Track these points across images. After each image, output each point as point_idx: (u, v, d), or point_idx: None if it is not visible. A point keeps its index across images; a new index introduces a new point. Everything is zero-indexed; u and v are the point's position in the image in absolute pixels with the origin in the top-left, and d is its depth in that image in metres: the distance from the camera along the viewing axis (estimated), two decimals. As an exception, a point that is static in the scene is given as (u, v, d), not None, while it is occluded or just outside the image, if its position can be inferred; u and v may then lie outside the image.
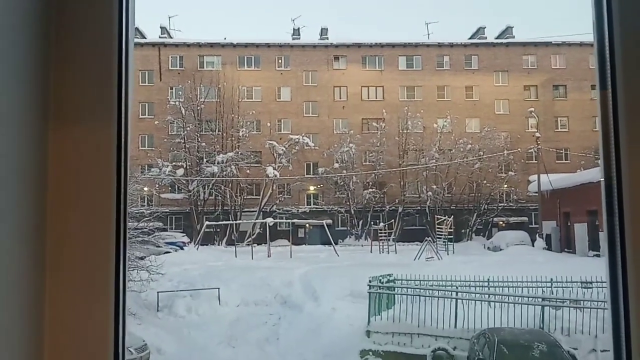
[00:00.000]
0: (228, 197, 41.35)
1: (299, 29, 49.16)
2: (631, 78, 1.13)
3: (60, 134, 1.20)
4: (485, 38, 49.46)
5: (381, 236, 33.98)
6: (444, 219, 34.09)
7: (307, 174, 44.39)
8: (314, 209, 43.47)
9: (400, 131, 44.14)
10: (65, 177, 1.20)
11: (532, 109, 42.48)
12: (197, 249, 31.68)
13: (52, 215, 1.19)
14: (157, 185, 39.32)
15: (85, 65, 1.22)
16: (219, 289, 17.44)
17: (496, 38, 49.58)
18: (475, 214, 42.39)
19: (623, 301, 1.13)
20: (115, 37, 1.23)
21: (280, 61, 47.90)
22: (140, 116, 43.95)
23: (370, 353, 13.24)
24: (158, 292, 16.67)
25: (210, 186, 40.57)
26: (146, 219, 19.58)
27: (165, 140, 42.08)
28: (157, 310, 16.49)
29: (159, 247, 21.87)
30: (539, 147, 38.01)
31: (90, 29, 1.22)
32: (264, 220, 34.76)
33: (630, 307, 1.11)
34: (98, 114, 1.21)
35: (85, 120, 1.21)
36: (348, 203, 43.14)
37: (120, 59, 1.24)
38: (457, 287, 15.25)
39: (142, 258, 17.52)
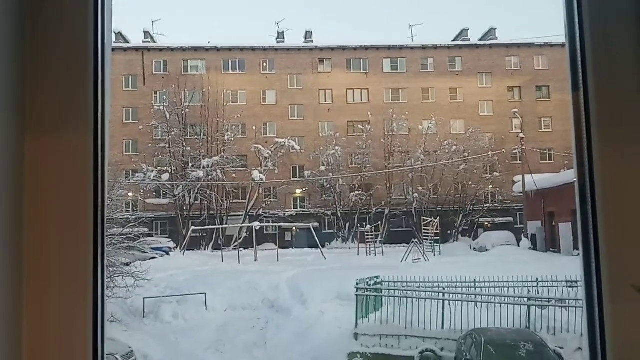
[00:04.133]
0: (214, 201, 41.19)
1: (283, 32, 49.19)
2: (602, 80, 1.15)
3: (36, 142, 1.19)
4: (469, 40, 49.85)
5: (368, 238, 34.01)
6: (430, 221, 34.22)
7: (293, 177, 44.37)
8: (301, 212, 43.44)
9: (386, 133, 44.30)
10: (42, 186, 1.19)
11: (516, 109, 42.86)
12: (183, 254, 31.49)
13: (30, 224, 1.19)
14: (142, 191, 39.04)
15: (60, 73, 1.21)
16: (205, 294, 17.34)
17: (479, 40, 49.98)
18: (461, 215, 42.63)
19: (598, 300, 1.15)
20: (91, 44, 1.23)
21: (265, 64, 47.88)
22: (124, 121, 43.66)
23: (359, 355, 13.24)
24: (144, 298, 16.54)
25: (196, 191, 40.38)
26: (131, 224, 19.40)
27: (150, 145, 41.79)
28: (143, 317, 16.36)
29: (145, 252, 21.71)
30: (523, 147, 38.33)
31: (65, 36, 1.22)
32: (251, 224, 34.65)
33: (605, 305, 1.13)
34: (74, 121, 1.21)
35: (61, 128, 1.20)
36: (335, 206, 43.17)
37: (96, 65, 1.23)
38: (444, 288, 15.29)
39: (127, 264, 17.38)
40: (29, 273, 1.18)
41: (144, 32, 48.10)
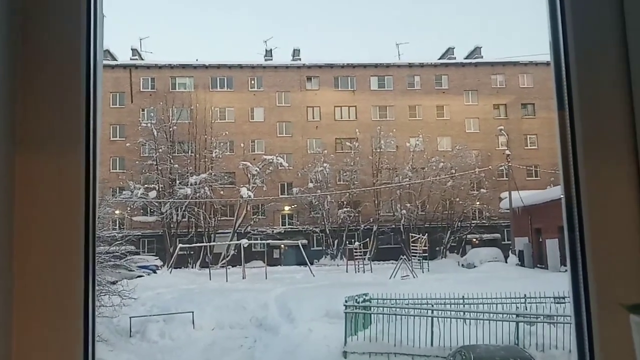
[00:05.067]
0: (202, 218, 40.94)
1: (271, 50, 49.47)
2: (586, 98, 1.17)
3: (27, 160, 1.19)
4: (455, 58, 50.44)
5: (356, 255, 33.95)
6: (419, 237, 34.27)
7: (281, 194, 44.30)
8: (289, 229, 43.32)
9: (374, 150, 44.50)
10: (32, 203, 1.18)
11: (502, 127, 43.32)
12: (170, 272, 31.20)
13: (19, 242, 1.18)
14: (128, 208, 38.75)
15: (52, 90, 1.21)
16: (193, 312, 17.16)
17: (465, 58, 50.58)
18: (449, 232, 42.75)
19: (586, 317, 1.15)
20: (83, 62, 1.23)
21: (252, 82, 48.04)
22: (112, 138, 43.43)
23: (348, 374, 13.14)
24: (130, 317, 16.33)
25: (184, 208, 40.14)
26: (118, 242, 19.22)
27: (137, 162, 41.57)
28: (130, 336, 16.13)
29: (131, 271, 21.51)
30: (510, 164, 38.66)
31: (57, 54, 1.22)
32: (239, 242, 34.46)
33: (593, 323, 1.14)
34: (65, 139, 1.20)
35: (52, 145, 1.20)
36: (323, 223, 43.10)
37: (88, 83, 1.24)
38: (432, 305, 15.27)
39: (114, 282, 17.17)
40: (18, 292, 1.17)
41: (132, 49, 48.11)
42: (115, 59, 45.69)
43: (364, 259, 34.08)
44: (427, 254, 33.77)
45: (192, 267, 36.83)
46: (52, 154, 1.19)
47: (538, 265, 32.81)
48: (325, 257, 41.85)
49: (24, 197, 1.18)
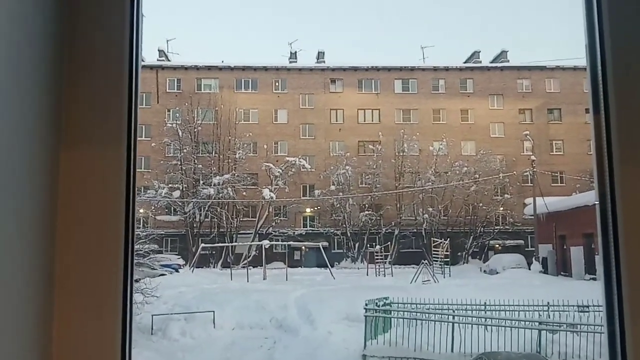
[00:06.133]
0: (224, 219, 41.23)
1: (295, 52, 49.67)
2: (623, 102, 1.15)
3: (71, 156, 1.21)
4: (480, 62, 50.01)
5: (377, 259, 33.84)
6: (440, 242, 34.04)
7: (303, 196, 44.39)
8: (310, 231, 43.36)
9: (397, 154, 44.34)
10: (75, 199, 1.21)
11: (527, 132, 42.79)
12: (192, 271, 31.47)
13: (62, 235, 1.20)
14: (153, 207, 39.22)
15: (97, 89, 1.23)
16: (213, 312, 17.26)
17: (491, 62, 50.12)
18: (472, 237, 42.35)
19: (619, 324, 1.13)
20: (126, 61, 1.25)
21: (277, 84, 48.25)
22: (137, 138, 43.93)
23: (367, 378, 13.09)
24: (152, 315, 16.49)
25: (207, 208, 40.48)
26: (141, 241, 19.46)
27: (162, 162, 42.05)
28: (151, 334, 16.30)
29: (154, 269, 21.70)
30: (535, 170, 38.15)
31: (102, 52, 1.24)
32: (260, 243, 34.62)
33: (626, 330, 1.12)
34: (109, 136, 1.23)
35: (96, 142, 1.22)
36: (344, 225, 43.05)
37: (130, 82, 1.26)
38: (453, 311, 15.13)
39: (137, 280, 17.37)
40: (60, 286, 1.19)
41: (159, 50, 48.73)
42: (142, 60, 46.03)
43: (385, 262, 33.96)
44: (448, 259, 33.51)
45: (214, 267, 37.12)
46: (96, 152, 1.21)
47: (562, 273, 32.31)
48: (346, 259, 41.78)
49: (67, 193, 1.20)
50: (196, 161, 41.90)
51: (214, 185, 40.13)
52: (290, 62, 49.29)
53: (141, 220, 36.39)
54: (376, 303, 15.27)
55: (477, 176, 42.26)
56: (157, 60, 48.21)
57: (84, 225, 1.20)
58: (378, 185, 43.72)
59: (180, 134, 42.05)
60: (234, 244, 38.75)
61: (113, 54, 1.24)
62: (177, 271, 30.94)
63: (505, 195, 42.90)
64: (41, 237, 1.16)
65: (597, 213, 1.18)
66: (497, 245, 42.12)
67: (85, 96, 1.22)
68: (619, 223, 1.13)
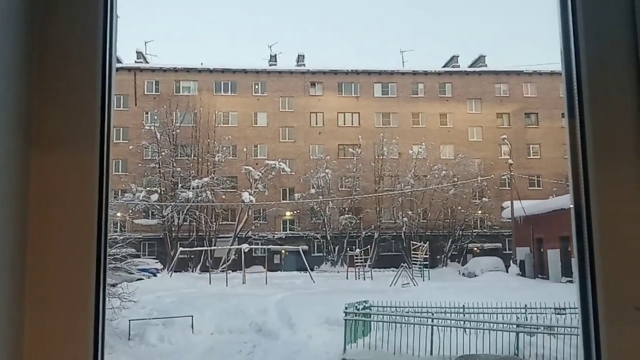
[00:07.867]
0: (203, 222, 40.95)
1: (275, 55, 49.68)
2: (598, 107, 1.17)
3: (42, 159, 1.19)
4: (459, 66, 50.55)
5: (357, 262, 33.92)
6: (420, 245, 34.22)
7: (283, 200, 44.33)
8: (290, 235, 43.32)
9: (376, 157, 44.55)
10: (46, 202, 1.18)
11: (505, 136, 43.31)
12: (171, 275, 31.19)
13: (33, 240, 1.17)
14: (130, 211, 38.78)
15: (68, 90, 1.21)
16: (192, 316, 17.12)
17: (469, 67, 50.69)
18: (450, 240, 42.70)
19: (594, 326, 1.14)
20: (99, 62, 1.23)
21: (256, 87, 48.18)
22: (115, 141, 43.34)
23: (346, 381, 13.08)
24: (130, 320, 16.29)
25: (185, 212, 40.14)
26: (119, 245, 19.22)
27: (140, 165, 41.65)
28: (129, 339, 16.09)
29: (132, 273, 21.45)
30: (512, 173, 38.65)
31: (74, 52, 1.22)
32: (239, 246, 34.47)
33: (601, 332, 1.13)
34: (81, 139, 1.20)
35: (68, 146, 1.19)
36: (324, 229, 43.10)
37: (103, 83, 1.23)
38: (432, 314, 15.20)
39: (113, 285, 17.12)
40: (31, 288, 1.17)
41: (137, 52, 48.33)
42: (120, 62, 45.85)
43: (365, 266, 34.04)
44: (428, 262, 33.71)
45: (193, 271, 36.82)
46: (68, 154, 1.19)
47: (539, 276, 32.73)
48: (326, 263, 41.83)
49: (38, 196, 1.18)
50: (175, 164, 41.54)
51: (193, 188, 39.83)
52: (270, 65, 49.28)
53: (118, 224, 35.98)
54: (356, 307, 15.28)
55: (456, 180, 42.65)
56: (135, 62, 47.80)
57: (56, 228, 1.18)
58: (358, 189, 43.88)
59: (158, 136, 41.65)
60: (213, 247, 38.51)
61: (86, 54, 1.22)
62: (155, 275, 30.65)
63: (484, 199, 43.34)
64: (12, 241, 1.13)
65: (572, 217, 1.19)
66: (476, 249, 42.53)
67: (57, 98, 1.20)
68: (594, 226, 1.14)
